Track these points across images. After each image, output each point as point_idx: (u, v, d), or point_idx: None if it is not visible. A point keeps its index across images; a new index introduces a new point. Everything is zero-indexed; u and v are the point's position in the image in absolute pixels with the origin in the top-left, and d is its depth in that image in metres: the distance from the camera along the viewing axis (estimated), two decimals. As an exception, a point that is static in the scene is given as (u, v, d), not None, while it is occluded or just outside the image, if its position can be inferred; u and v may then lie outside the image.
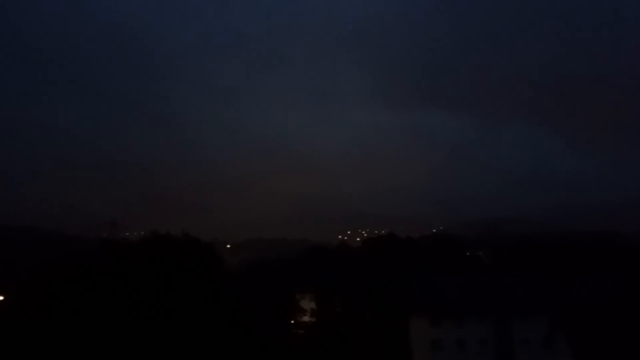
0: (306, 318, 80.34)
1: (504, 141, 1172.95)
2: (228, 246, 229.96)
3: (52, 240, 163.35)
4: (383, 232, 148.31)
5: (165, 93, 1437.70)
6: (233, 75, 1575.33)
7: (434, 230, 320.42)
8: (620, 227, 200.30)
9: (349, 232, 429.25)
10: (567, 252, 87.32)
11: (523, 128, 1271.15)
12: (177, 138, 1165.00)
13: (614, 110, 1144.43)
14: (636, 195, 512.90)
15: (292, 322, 79.82)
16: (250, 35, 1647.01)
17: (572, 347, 32.17)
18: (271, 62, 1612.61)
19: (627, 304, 36.28)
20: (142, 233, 79.49)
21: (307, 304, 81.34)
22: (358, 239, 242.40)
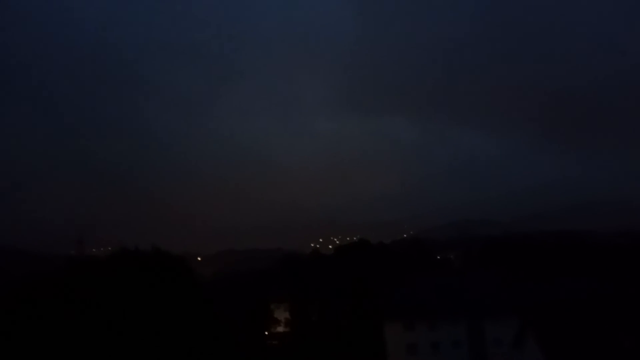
0: (280, 328, 79.86)
1: (469, 145, 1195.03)
2: (199, 258, 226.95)
3: (16, 259, 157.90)
4: (355, 238, 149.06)
5: (125, 105, 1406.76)
6: (193, 86, 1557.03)
7: (405, 235, 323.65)
8: (585, 227, 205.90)
9: (321, 240, 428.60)
10: (534, 251, 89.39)
11: (488, 132, 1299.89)
12: (142, 150, 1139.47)
13: (580, 114, 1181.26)
14: (601, 197, 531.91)
15: (267, 333, 79.21)
16: (207, 46, 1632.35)
17: (541, 345, 32.92)
18: (231, 72, 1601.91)
19: (594, 301, 37.36)
20: (110, 249, 77.67)
21: (282, 314, 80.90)
22: (330, 247, 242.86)
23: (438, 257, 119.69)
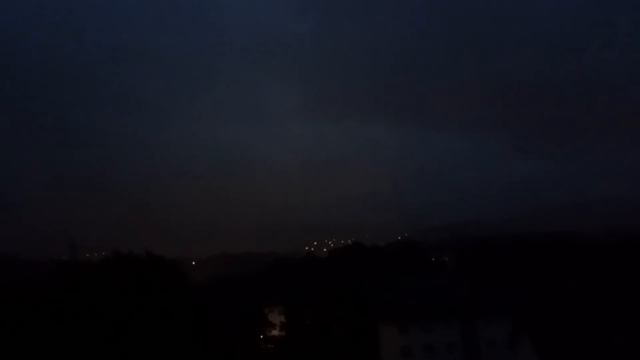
0: (275, 332, 79.80)
1: (457, 148, 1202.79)
2: (193, 263, 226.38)
3: (6, 265, 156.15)
4: (349, 241, 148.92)
5: (107, 112, 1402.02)
6: (163, 94, 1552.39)
7: (399, 238, 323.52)
8: (576, 227, 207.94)
9: (315, 243, 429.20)
10: (526, 253, 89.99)
11: (463, 134, 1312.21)
12: (127, 156, 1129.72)
13: (569, 115, 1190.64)
14: (591, 197, 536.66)
15: (262, 337, 79.10)
16: (174, 53, 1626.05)
17: (535, 346, 33.14)
18: (201, 80, 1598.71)
19: (587, 301, 37.68)
20: (104, 254, 77.29)
21: (276, 317, 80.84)
22: (325, 250, 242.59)
23: (432, 260, 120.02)
